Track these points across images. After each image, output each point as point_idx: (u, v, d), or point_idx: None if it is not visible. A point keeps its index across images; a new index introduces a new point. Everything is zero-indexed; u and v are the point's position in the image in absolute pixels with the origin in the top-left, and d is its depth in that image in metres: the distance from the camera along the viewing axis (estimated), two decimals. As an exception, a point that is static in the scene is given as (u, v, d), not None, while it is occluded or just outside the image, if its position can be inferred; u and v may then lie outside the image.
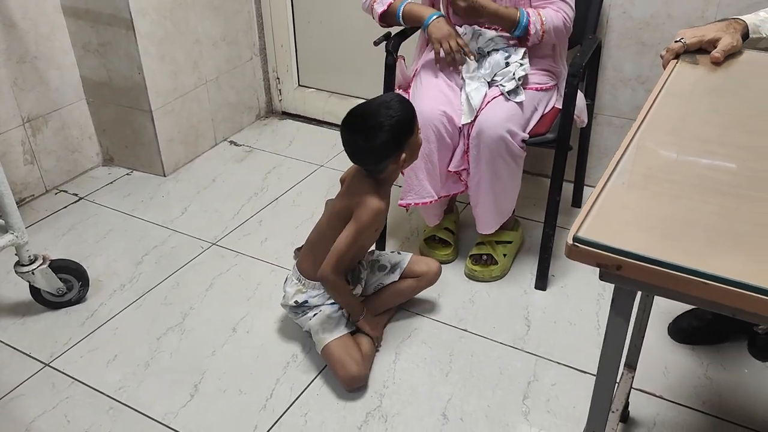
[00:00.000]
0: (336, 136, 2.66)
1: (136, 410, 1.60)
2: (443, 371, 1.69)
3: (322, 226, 1.71)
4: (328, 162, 2.62)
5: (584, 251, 0.76)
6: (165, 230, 2.26)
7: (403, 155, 1.57)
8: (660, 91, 1.17)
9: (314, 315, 1.68)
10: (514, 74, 1.80)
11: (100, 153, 2.65)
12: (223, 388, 1.66)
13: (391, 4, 1.87)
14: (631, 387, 1.49)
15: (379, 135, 1.52)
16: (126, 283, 2.02)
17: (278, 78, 2.98)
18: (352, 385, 1.62)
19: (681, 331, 1.77)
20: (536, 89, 1.85)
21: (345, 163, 1.86)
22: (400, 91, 1.98)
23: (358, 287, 1.75)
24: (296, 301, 1.70)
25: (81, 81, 2.49)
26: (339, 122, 1.62)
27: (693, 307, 1.76)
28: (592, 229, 0.79)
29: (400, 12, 1.88)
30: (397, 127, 1.53)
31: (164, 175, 2.57)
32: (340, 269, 1.63)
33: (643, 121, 1.08)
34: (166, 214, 2.35)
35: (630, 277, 0.78)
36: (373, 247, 1.86)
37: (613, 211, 0.84)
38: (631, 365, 1.49)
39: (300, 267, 1.73)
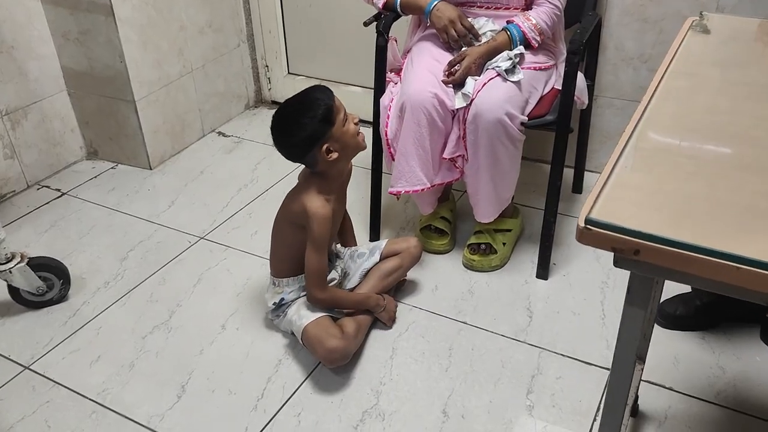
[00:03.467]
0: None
1: (120, 414, 1.52)
2: (442, 366, 1.62)
3: (275, 225, 1.67)
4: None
5: (598, 235, 0.68)
6: (151, 225, 2.18)
7: (326, 146, 1.50)
8: (669, 64, 1.09)
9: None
10: (509, 53, 1.71)
11: (84, 146, 2.56)
12: (212, 388, 1.58)
13: None
14: (640, 379, 1.42)
15: (288, 130, 1.50)
16: (110, 281, 1.93)
17: (267, 66, 2.88)
18: (333, 360, 1.55)
19: (668, 316, 1.69)
20: (534, 69, 1.77)
21: None
22: (392, 75, 1.90)
23: (333, 273, 1.69)
24: (274, 303, 1.66)
25: (62, 71, 2.40)
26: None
27: (683, 291, 1.69)
28: (606, 211, 0.70)
29: (398, 2, 1.81)
30: (305, 120, 1.48)
31: (150, 168, 2.48)
32: (324, 284, 1.60)
33: (653, 95, 1.00)
34: (152, 208, 2.26)
35: (649, 262, 0.70)
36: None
37: (627, 192, 0.76)
38: (641, 356, 1.41)
39: (270, 267, 1.70)
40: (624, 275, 1.81)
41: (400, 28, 1.95)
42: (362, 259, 1.77)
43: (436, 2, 1.78)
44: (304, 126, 1.49)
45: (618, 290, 1.82)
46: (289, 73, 2.89)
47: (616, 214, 0.70)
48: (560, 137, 1.73)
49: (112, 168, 2.51)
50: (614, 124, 2.25)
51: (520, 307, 1.79)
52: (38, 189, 2.39)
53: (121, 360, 1.66)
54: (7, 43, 2.20)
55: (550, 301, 1.81)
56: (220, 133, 2.74)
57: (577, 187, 2.25)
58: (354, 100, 2.69)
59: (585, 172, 2.27)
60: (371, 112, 1.89)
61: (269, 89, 2.94)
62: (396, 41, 1.87)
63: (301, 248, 1.57)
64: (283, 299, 1.66)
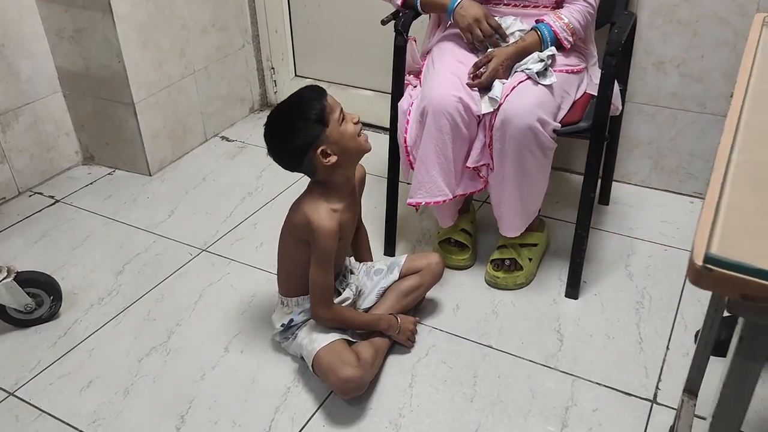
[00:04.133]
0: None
1: (112, 448, 1.38)
2: (467, 396, 1.48)
3: (280, 240, 1.54)
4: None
5: (723, 277, 0.53)
6: (149, 235, 2.03)
7: (321, 149, 1.37)
8: (752, 65, 0.94)
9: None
10: (540, 54, 1.57)
11: (79, 151, 2.42)
12: (214, 419, 1.44)
13: None
14: (693, 416, 1.28)
15: (280, 136, 1.39)
16: (104, 297, 1.79)
17: (273, 68, 2.75)
18: (347, 390, 1.41)
19: (717, 343, 1.54)
20: (566, 71, 1.63)
21: None
22: (411, 77, 1.76)
23: (347, 291, 1.56)
24: (282, 324, 1.52)
25: (56, 71, 2.26)
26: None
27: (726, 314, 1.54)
28: (729, 245, 0.56)
29: (418, 1, 1.68)
30: (296, 122, 1.36)
31: (149, 175, 2.34)
32: (329, 302, 1.46)
33: (743, 101, 0.85)
34: (151, 217, 2.12)
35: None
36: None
37: (749, 220, 0.61)
38: (693, 390, 1.27)
39: (278, 285, 1.56)
40: (661, 295, 1.66)
41: (418, 27, 1.81)
42: (379, 276, 1.63)
43: (458, 1, 1.65)
44: (295, 129, 1.36)
45: (655, 312, 1.68)
46: (296, 75, 2.74)
47: (743, 250, 0.55)
48: (595, 146, 1.59)
49: (109, 174, 2.37)
50: (643, 131, 2.12)
51: (548, 330, 1.65)
52: (30, 196, 2.25)
53: (114, 386, 1.52)
54: (-2, 40, 2.07)
55: (582, 323, 1.67)
56: (223, 137, 2.60)
57: (605, 198, 2.11)
58: (365, 104, 2.56)
59: (613, 183, 2.13)
60: (384, 116, 1.76)
61: (275, 92, 2.80)
62: (415, 41, 1.73)
63: (309, 265, 1.44)
64: (292, 320, 1.52)
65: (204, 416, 1.44)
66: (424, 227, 2.02)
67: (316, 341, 1.45)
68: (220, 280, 1.84)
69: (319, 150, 1.37)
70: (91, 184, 2.31)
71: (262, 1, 2.59)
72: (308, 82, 2.71)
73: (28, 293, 1.64)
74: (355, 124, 1.42)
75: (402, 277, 1.62)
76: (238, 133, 2.62)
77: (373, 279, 1.63)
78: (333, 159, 1.39)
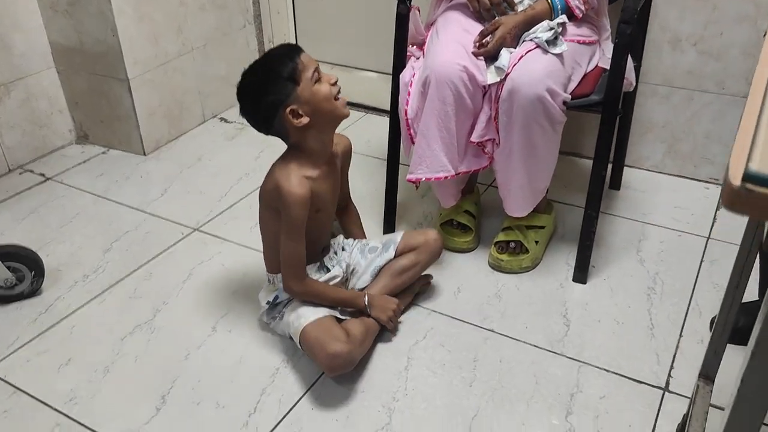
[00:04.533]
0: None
1: (87, 427, 1.30)
2: (466, 380, 1.39)
3: (259, 211, 1.46)
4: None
5: (765, 197, 0.43)
6: (140, 214, 1.96)
7: (290, 108, 1.30)
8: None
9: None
10: (550, 22, 1.49)
11: (73, 129, 2.35)
12: (197, 399, 1.35)
13: None
14: (709, 404, 1.18)
15: (249, 94, 1.34)
16: (90, 274, 1.71)
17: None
18: (334, 366, 1.32)
19: (735, 330, 1.45)
20: (577, 42, 1.55)
21: None
22: (414, 49, 1.68)
23: (336, 269, 1.48)
24: (268, 302, 1.45)
25: (50, 46, 2.19)
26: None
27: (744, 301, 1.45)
28: None
29: None
30: (265, 79, 1.31)
31: (144, 154, 2.27)
32: (301, 276, 1.39)
33: None
34: (143, 195, 2.05)
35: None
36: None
37: None
38: (709, 376, 1.18)
39: (265, 263, 1.49)
40: (674, 281, 1.55)
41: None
42: (374, 254, 1.54)
43: None
44: (265, 89, 1.29)
45: (667, 298, 1.59)
46: (298, 57, 2.66)
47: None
48: (607, 120, 1.50)
49: (102, 153, 2.30)
50: (657, 113, 2.02)
51: (555, 314, 1.56)
52: (21, 173, 2.18)
53: (94, 364, 1.44)
54: (-11, 11, 2.00)
55: (590, 308, 1.57)
56: (222, 119, 2.53)
57: (616, 183, 2.02)
58: (370, 86, 2.48)
59: (624, 168, 2.04)
60: (388, 99, 1.67)
61: (276, 75, 2.72)
62: (419, 11, 1.65)
63: (279, 232, 1.37)
64: (277, 297, 1.44)
65: (187, 397, 1.36)
66: (425, 210, 1.94)
67: (303, 317, 1.37)
68: (211, 259, 1.76)
69: (288, 109, 1.29)
70: (83, 162, 2.24)
71: (264, -21, 2.52)
72: (311, 64, 2.63)
73: (8, 267, 1.57)
74: (332, 85, 1.35)
75: (398, 255, 1.53)
76: (237, 115, 2.53)
77: (367, 257, 1.54)
78: (304, 120, 1.31)
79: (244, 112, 1.35)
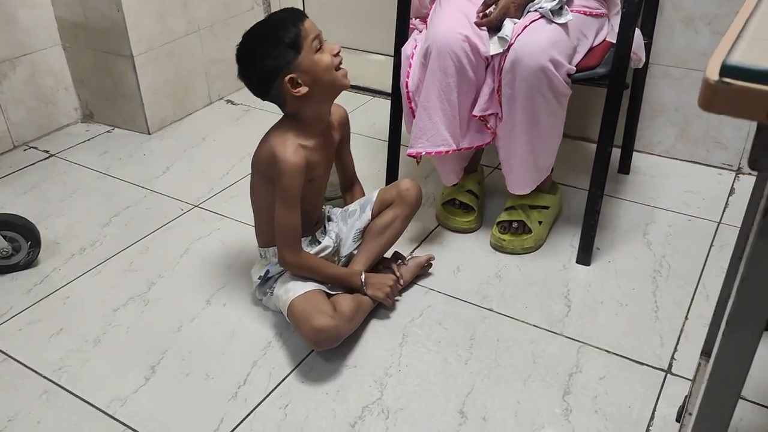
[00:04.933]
0: (348, 96, 2.33)
1: (74, 395, 1.28)
2: (462, 358, 1.35)
3: (251, 182, 1.44)
4: (335, 122, 2.29)
5: (745, 93, 0.39)
6: (141, 190, 1.95)
7: (290, 76, 1.26)
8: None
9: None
10: (556, -8, 1.45)
11: (79, 107, 2.34)
12: (187, 371, 1.33)
13: None
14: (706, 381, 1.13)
15: (248, 57, 1.29)
16: (87, 247, 1.70)
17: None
18: (319, 341, 1.29)
19: None
20: (584, 13, 1.50)
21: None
22: (417, 21, 1.64)
23: (327, 239, 1.46)
24: (259, 277, 1.42)
25: (56, 22, 2.19)
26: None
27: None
28: (756, 57, 0.41)
29: None
30: (265, 44, 1.26)
31: (148, 133, 2.26)
32: (296, 247, 1.35)
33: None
34: (146, 173, 2.03)
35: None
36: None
37: None
38: (710, 352, 1.13)
39: (256, 237, 1.47)
40: (681, 265, 1.51)
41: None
42: (353, 218, 1.51)
43: None
44: (265, 52, 1.26)
45: (673, 281, 1.54)
46: (306, 39, 2.64)
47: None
48: (613, 93, 1.46)
49: (107, 132, 2.29)
50: (669, 97, 1.97)
51: (556, 295, 1.51)
52: (25, 150, 2.18)
53: (85, 334, 1.43)
54: (-5, -15, 2.00)
55: (593, 290, 1.53)
56: (228, 101, 2.51)
57: (625, 167, 1.97)
58: (377, 69, 2.45)
59: (633, 153, 1.98)
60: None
61: (284, 58, 2.70)
62: (422, -17, 1.62)
63: (271, 203, 1.34)
64: (268, 272, 1.41)
65: (176, 367, 1.34)
66: (428, 190, 1.90)
67: (291, 290, 1.34)
68: (209, 235, 1.74)
69: (288, 77, 1.26)
70: (88, 140, 2.23)
71: (273, -40, 2.50)
72: (319, 46, 2.61)
73: (4, 237, 1.55)
74: (335, 56, 1.31)
75: (377, 214, 1.49)
76: (244, 98, 2.53)
77: (348, 222, 1.51)
78: (303, 90, 1.28)
79: (242, 75, 1.32)
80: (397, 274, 1.48)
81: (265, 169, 1.34)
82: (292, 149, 1.30)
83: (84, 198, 1.91)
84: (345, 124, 1.48)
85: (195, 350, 1.38)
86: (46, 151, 2.16)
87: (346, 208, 1.54)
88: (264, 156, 1.33)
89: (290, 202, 1.31)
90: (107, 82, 2.23)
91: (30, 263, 1.62)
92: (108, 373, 1.33)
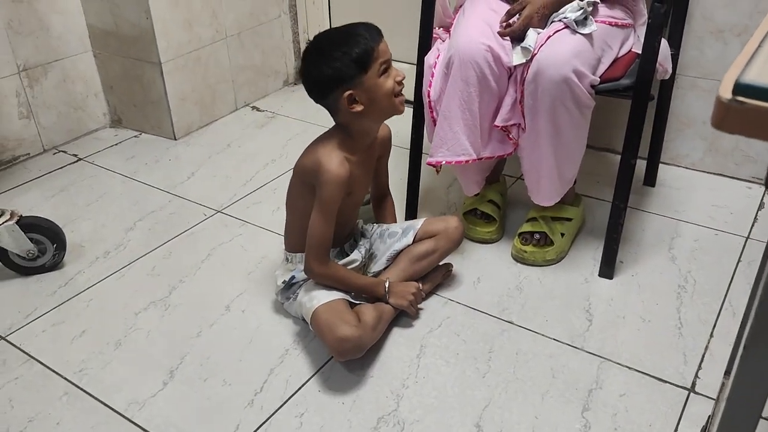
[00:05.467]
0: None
1: (94, 397, 1.30)
2: (479, 371, 1.34)
3: (290, 186, 1.43)
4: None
5: (759, 111, 0.38)
6: (166, 195, 1.97)
7: (349, 92, 1.26)
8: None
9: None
10: (580, 2, 1.43)
11: (108, 113, 2.38)
12: (205, 376, 1.34)
13: None
14: (726, 400, 1.11)
15: (316, 61, 1.28)
16: (111, 250, 1.73)
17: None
18: (343, 351, 1.29)
19: None
20: (609, 24, 1.49)
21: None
22: (440, 31, 1.64)
23: (355, 253, 1.46)
24: (284, 281, 1.42)
25: (87, 29, 2.23)
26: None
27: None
28: None
29: None
30: (336, 53, 1.25)
31: (175, 139, 2.29)
32: (324, 258, 1.35)
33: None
34: (171, 178, 2.06)
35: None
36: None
37: None
38: (731, 371, 1.11)
39: (284, 241, 1.47)
40: (707, 280, 1.48)
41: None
42: (393, 239, 1.51)
43: None
44: (333, 61, 1.25)
45: (698, 297, 1.51)
46: (332, 48, 2.65)
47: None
48: (638, 105, 1.44)
49: (134, 137, 2.32)
50: (697, 109, 1.94)
51: (577, 309, 1.49)
52: (54, 154, 2.22)
53: (107, 337, 1.44)
54: (29, -8, 2.05)
55: (615, 304, 1.51)
56: (254, 108, 2.53)
57: (650, 179, 1.94)
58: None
59: (660, 165, 1.95)
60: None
61: (310, 65, 2.71)
62: (446, -8, 1.61)
63: (307, 211, 1.34)
64: (294, 277, 1.42)
65: (194, 372, 1.35)
66: (450, 199, 1.89)
67: (315, 299, 1.34)
68: (231, 241, 1.76)
69: (347, 93, 1.27)
70: (115, 145, 2.27)
71: (301, -31, 2.52)
72: (344, 55, 2.62)
73: (31, 239, 1.58)
74: (398, 83, 1.32)
75: (418, 241, 1.49)
76: (269, 104, 2.55)
77: (386, 242, 1.51)
78: (359, 108, 1.29)
79: (304, 77, 1.31)
80: (419, 283, 1.47)
81: (308, 177, 1.35)
82: (338, 161, 1.30)
83: (110, 202, 1.94)
84: (387, 142, 1.49)
85: (213, 356, 1.39)
86: (75, 155, 2.20)
87: (387, 227, 1.54)
88: (309, 164, 1.34)
89: (328, 213, 1.31)
90: (136, 88, 2.27)
91: (55, 265, 1.65)
92: (128, 376, 1.34)
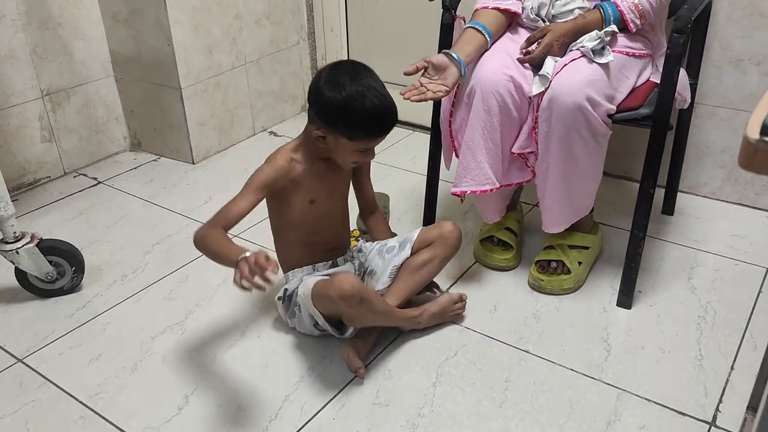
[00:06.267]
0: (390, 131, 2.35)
1: (109, 422, 1.29)
2: (496, 401, 1.32)
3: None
4: (377, 156, 2.30)
5: None
6: (184, 219, 1.98)
7: (320, 133, 1.31)
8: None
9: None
10: (599, 32, 1.44)
11: (128, 137, 2.42)
12: (219, 401, 1.34)
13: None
14: (757, 437, 1.08)
15: (323, 74, 1.29)
16: (128, 274, 1.74)
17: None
18: (344, 292, 1.28)
19: None
20: (627, 54, 1.49)
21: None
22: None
23: (348, 265, 1.50)
24: (279, 297, 1.46)
25: (110, 55, 2.27)
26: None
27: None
28: None
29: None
30: (353, 105, 1.25)
31: (193, 163, 2.31)
32: (214, 221, 1.31)
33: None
34: (188, 202, 2.08)
35: None
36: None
37: None
38: (755, 406, 1.09)
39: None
40: (728, 311, 1.46)
41: (468, 7, 1.71)
42: (391, 254, 1.50)
43: None
44: (330, 97, 1.26)
45: (719, 328, 1.49)
46: (349, 74, 2.68)
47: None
48: (657, 134, 1.43)
49: (153, 160, 2.35)
50: (715, 137, 1.93)
51: (595, 339, 1.48)
52: (75, 177, 2.25)
53: (123, 361, 1.45)
54: (54, 19, 2.09)
55: (633, 335, 1.49)
56: (272, 133, 2.55)
57: (669, 208, 1.93)
58: (418, 104, 2.45)
59: (678, 194, 1.94)
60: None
61: (328, 91, 2.74)
62: (464, 20, 1.63)
63: (286, 232, 1.42)
64: (287, 290, 1.45)
65: (209, 398, 1.35)
66: (466, 227, 1.89)
67: (311, 283, 1.36)
68: (247, 266, 1.76)
69: (321, 131, 1.31)
70: (134, 168, 2.30)
71: (320, -3, 2.56)
72: (362, 81, 2.64)
73: (50, 262, 1.60)
74: (358, 160, 1.37)
75: (415, 252, 1.49)
76: (287, 129, 2.57)
77: (385, 258, 1.50)
78: (321, 144, 1.34)
79: (328, 72, 1.30)
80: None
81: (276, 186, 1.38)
82: (282, 155, 1.36)
83: (128, 225, 1.96)
84: (364, 172, 1.53)
85: (228, 381, 1.39)
86: (95, 179, 2.23)
87: (384, 242, 1.54)
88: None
89: (248, 187, 1.34)
90: (156, 113, 2.30)
91: (73, 288, 1.66)
92: (143, 401, 1.34)
